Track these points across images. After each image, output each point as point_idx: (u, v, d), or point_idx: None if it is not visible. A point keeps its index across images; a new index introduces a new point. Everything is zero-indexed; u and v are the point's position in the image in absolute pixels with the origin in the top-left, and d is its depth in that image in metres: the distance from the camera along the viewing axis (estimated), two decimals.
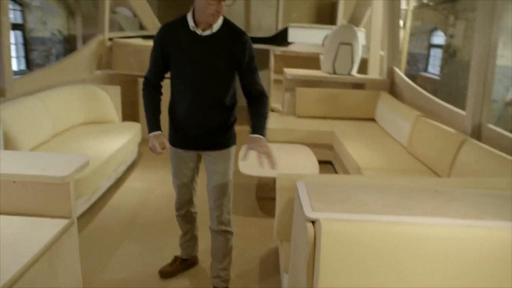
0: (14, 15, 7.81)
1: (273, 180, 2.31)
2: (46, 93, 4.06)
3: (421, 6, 10.69)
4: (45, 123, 3.81)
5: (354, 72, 5.84)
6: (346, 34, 5.69)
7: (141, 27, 7.89)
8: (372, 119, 5.32)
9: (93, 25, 6.46)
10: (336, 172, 4.67)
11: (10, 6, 7.59)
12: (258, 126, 2.23)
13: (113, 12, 8.53)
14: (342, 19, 8.41)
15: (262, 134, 2.21)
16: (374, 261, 1.55)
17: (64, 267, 1.94)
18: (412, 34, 10.38)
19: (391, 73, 5.50)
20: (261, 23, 9.34)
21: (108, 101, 4.71)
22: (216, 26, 2.13)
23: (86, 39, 6.83)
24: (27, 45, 8.11)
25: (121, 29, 8.45)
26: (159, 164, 4.51)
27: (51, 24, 8.42)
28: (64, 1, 8.51)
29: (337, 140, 4.58)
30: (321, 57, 6.06)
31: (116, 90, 4.84)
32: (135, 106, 5.20)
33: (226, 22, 2.18)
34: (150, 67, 2.32)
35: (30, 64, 8.21)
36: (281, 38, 7.65)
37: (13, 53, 7.65)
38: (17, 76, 4.41)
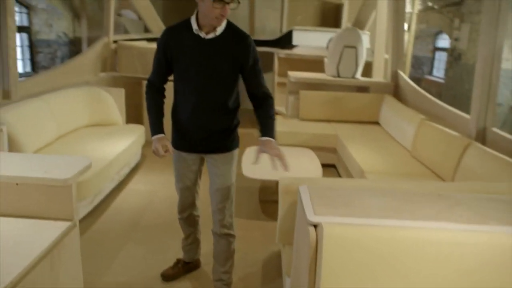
0: (20, 18, 7.86)
1: (276, 183, 2.31)
2: (51, 95, 4.08)
3: (426, 9, 10.66)
4: (49, 125, 3.82)
5: (358, 75, 5.83)
6: (350, 37, 5.69)
7: (146, 30, 7.92)
8: (376, 123, 5.30)
9: (98, 28, 6.49)
10: (339, 175, 4.65)
11: (16, 8, 7.65)
12: (267, 128, 2.22)
13: (118, 14, 8.57)
14: (346, 22, 8.42)
15: (272, 136, 2.21)
16: (376, 265, 1.54)
17: (65, 269, 1.94)
18: (417, 37, 10.36)
19: (395, 77, 5.48)
20: (265, 26, 9.35)
21: (112, 103, 4.72)
22: (220, 29, 2.13)
23: (91, 41, 6.86)
24: (33, 47, 8.16)
25: (126, 31, 8.49)
26: (162, 167, 4.51)
27: (56, 26, 8.47)
28: (70, 3, 8.56)
29: (340, 144, 4.56)
30: (325, 60, 6.05)
31: (120, 92, 4.85)
32: (139, 108, 5.22)
33: (229, 25, 2.18)
34: (154, 70, 2.32)
35: (35, 67, 8.25)
36: (285, 41, 7.65)
37: (19, 55, 7.71)
38: (22, 78, 4.44)
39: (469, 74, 8.44)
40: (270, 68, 7.42)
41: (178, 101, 2.30)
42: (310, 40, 7.47)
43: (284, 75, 6.39)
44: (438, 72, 11.49)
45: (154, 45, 2.28)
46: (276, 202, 2.31)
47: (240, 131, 2.42)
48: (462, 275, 1.53)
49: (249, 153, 3.97)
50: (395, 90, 5.45)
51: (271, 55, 7.38)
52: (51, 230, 1.82)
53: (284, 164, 2.12)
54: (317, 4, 9.31)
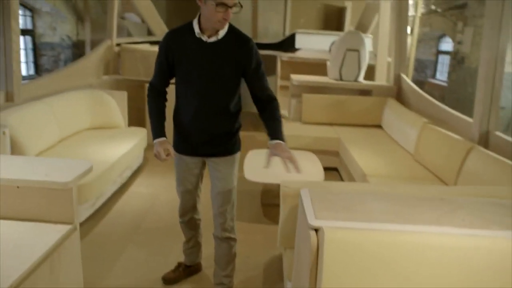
0: (24, 21, 7.90)
1: (278, 186, 2.30)
2: (53, 98, 4.09)
3: (429, 12, 10.65)
4: (51, 128, 3.83)
5: (361, 78, 5.82)
6: (353, 40, 5.69)
7: (149, 33, 7.94)
8: (379, 126, 5.29)
9: (102, 31, 6.52)
10: (342, 179, 4.64)
11: (21, 11, 7.69)
12: (275, 131, 2.21)
13: (121, 17, 8.61)
14: (349, 26, 8.43)
15: (282, 139, 2.19)
16: (377, 270, 1.53)
17: (65, 272, 1.94)
18: (420, 41, 10.34)
19: (398, 80, 5.47)
20: (268, 29, 9.37)
21: (115, 106, 4.73)
22: (222, 32, 2.13)
23: (94, 44, 6.89)
24: (37, 50, 8.19)
25: (129, 34, 8.52)
26: (164, 170, 4.51)
27: (60, 29, 8.51)
28: (74, 6, 8.61)
29: (343, 147, 4.55)
30: (328, 63, 6.05)
31: (123, 95, 4.86)
32: (142, 111, 5.22)
33: (231, 28, 2.17)
34: (155, 73, 2.32)
35: (39, 69, 8.29)
36: (288, 44, 7.67)
37: (22, 58, 7.76)
38: (26, 81, 4.46)
39: (472, 78, 8.41)
40: (272, 72, 7.43)
41: (180, 104, 2.29)
42: (312, 43, 7.48)
43: (287, 78, 6.40)
44: (441, 75, 11.47)
45: (157, 48, 2.29)
46: (278, 205, 2.30)
47: (242, 134, 2.42)
48: (464, 279, 1.52)
49: (251, 156, 3.97)
50: (398, 94, 5.44)
51: (273, 58, 7.40)
52: (52, 233, 1.82)
53: (297, 166, 2.10)
54: (320, 7, 9.33)
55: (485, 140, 3.27)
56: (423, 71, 11.95)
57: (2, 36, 3.61)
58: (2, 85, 3.72)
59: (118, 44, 5.96)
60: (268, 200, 3.93)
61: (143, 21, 8.02)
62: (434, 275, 1.53)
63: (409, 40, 7.39)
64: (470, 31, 9.30)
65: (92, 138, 4.21)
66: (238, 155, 2.39)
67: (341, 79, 5.75)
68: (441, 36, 11.44)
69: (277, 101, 2.30)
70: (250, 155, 3.99)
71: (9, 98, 3.71)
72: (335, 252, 1.53)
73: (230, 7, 2.01)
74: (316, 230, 1.58)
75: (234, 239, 2.45)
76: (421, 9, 8.66)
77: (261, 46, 7.02)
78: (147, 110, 2.36)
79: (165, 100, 2.37)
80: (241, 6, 2.06)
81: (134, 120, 5.06)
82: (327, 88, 5.66)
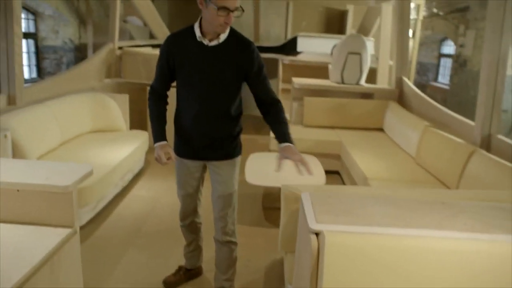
0: (27, 24, 7.92)
1: (279, 190, 2.30)
2: (55, 101, 4.09)
3: (431, 15, 10.65)
4: (53, 131, 3.84)
5: (363, 81, 5.82)
6: (354, 43, 5.69)
7: (151, 36, 7.96)
8: (381, 129, 5.28)
9: (104, 34, 6.54)
10: (343, 182, 4.63)
11: (24, 15, 7.72)
12: (283, 134, 2.21)
13: (124, 21, 8.63)
14: (351, 29, 8.44)
15: (291, 141, 2.18)
16: (378, 274, 1.53)
17: (65, 276, 1.93)
18: (421, 44, 10.33)
19: (399, 83, 5.47)
20: (270, 32, 9.38)
21: (116, 109, 4.73)
22: (223, 36, 2.13)
23: (96, 47, 6.91)
24: (39, 53, 8.22)
25: (131, 38, 8.54)
26: (165, 173, 4.51)
27: (62, 33, 8.53)
28: (76, 10, 8.63)
29: (344, 150, 4.55)
30: (330, 66, 6.05)
31: (125, 98, 4.87)
32: (143, 114, 5.22)
33: (232, 32, 2.17)
34: (156, 76, 2.32)
35: (41, 73, 8.30)
36: (290, 47, 7.68)
37: (25, 61, 7.78)
38: (28, 84, 4.47)
39: (475, 81, 8.40)
40: (274, 75, 7.44)
41: (181, 107, 2.29)
42: (314, 47, 7.49)
43: (289, 81, 6.40)
44: (444, 78, 11.45)
45: (158, 51, 2.29)
46: (279, 209, 2.30)
47: (243, 137, 2.42)
48: (466, 283, 1.51)
49: (253, 159, 3.96)
50: (400, 97, 5.43)
51: (275, 61, 7.40)
52: (52, 236, 1.81)
53: (309, 169, 2.08)
54: (322, 11, 9.34)
55: (487, 144, 3.26)
56: (425, 74, 11.93)
57: (5, 40, 3.63)
58: (4, 88, 3.73)
59: (120, 47, 5.98)
60: (269, 204, 3.93)
61: (145, 24, 8.05)
62: (436, 279, 1.52)
63: (411, 43, 7.40)
64: (472, 34, 9.29)
65: (93, 141, 4.22)
66: (239, 158, 2.38)
67: (342, 82, 5.75)
68: (443, 39, 11.43)
69: (281, 103, 2.29)
70: (251, 158, 3.98)
71: (11, 101, 3.72)
72: (335, 256, 1.52)
73: (232, 11, 2.01)
74: (317, 234, 1.58)
75: (235, 243, 2.44)
76: (423, 12, 8.66)
77: (263, 49, 7.05)
78: (148, 113, 2.36)
79: (166, 103, 2.37)
80: (243, 10, 2.05)
81: (136, 123, 5.07)
82: (329, 91, 5.66)
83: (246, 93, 2.30)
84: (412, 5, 7.34)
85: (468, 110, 7.74)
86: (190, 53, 2.16)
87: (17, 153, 3.19)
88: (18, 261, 1.63)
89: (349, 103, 5.43)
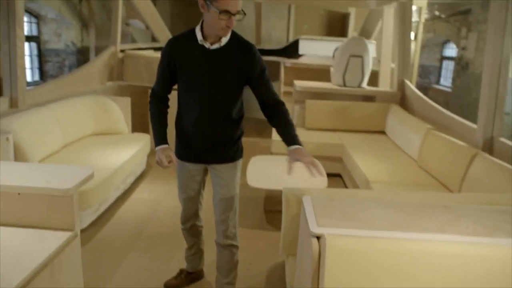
0: (30, 27, 7.96)
1: (281, 193, 2.29)
2: (57, 104, 4.10)
3: (433, 18, 10.65)
4: (55, 134, 3.84)
5: (364, 84, 5.81)
6: (356, 46, 5.69)
7: (153, 39, 7.98)
8: (382, 132, 5.27)
9: (106, 37, 6.56)
10: (345, 185, 4.62)
11: (27, 18, 7.75)
12: (291, 136, 2.19)
13: (126, 24, 8.66)
14: (353, 32, 8.44)
15: (300, 143, 2.16)
16: (379, 277, 1.52)
17: (66, 279, 1.93)
18: (423, 46, 10.33)
19: (401, 86, 5.46)
20: (272, 35, 9.40)
21: (118, 112, 4.74)
22: (225, 39, 2.12)
23: (99, 50, 6.93)
24: (42, 56, 8.24)
25: (133, 41, 8.56)
26: (167, 176, 4.50)
27: (65, 36, 8.56)
28: (79, 13, 8.67)
29: (346, 153, 4.54)
30: (332, 69, 6.05)
31: (126, 101, 4.87)
32: (145, 117, 5.21)
33: (234, 35, 2.16)
34: (157, 80, 2.32)
35: (44, 75, 8.33)
36: (291, 50, 7.68)
37: (28, 64, 7.80)
38: (31, 87, 4.49)
39: (477, 83, 8.39)
40: (276, 78, 7.44)
41: (182, 111, 2.29)
42: (316, 49, 7.49)
43: (290, 84, 6.40)
44: (446, 81, 11.44)
45: (160, 54, 2.29)
46: (281, 212, 2.29)
47: (245, 140, 2.41)
48: (468, 287, 1.50)
49: (254, 162, 3.96)
50: (402, 100, 5.43)
51: (277, 64, 7.41)
52: (52, 240, 1.81)
53: (319, 170, 2.07)
54: (324, 14, 9.35)
55: (489, 146, 3.24)
56: (427, 77, 11.92)
57: (7, 42, 3.64)
58: (7, 91, 3.74)
59: (122, 50, 6.00)
60: (271, 207, 3.92)
61: (147, 27, 8.07)
62: (438, 283, 1.51)
63: (412, 46, 7.39)
64: (474, 36, 9.28)
65: (95, 144, 4.22)
66: (240, 161, 2.38)
67: (344, 85, 5.75)
68: (445, 42, 11.42)
69: (285, 106, 2.28)
70: (253, 161, 3.98)
71: (14, 104, 3.73)
72: (337, 259, 1.52)
73: (234, 14, 2.00)
74: (318, 238, 1.57)
75: (236, 246, 2.44)
76: (424, 15, 8.65)
77: (265, 52, 7.05)
78: (149, 116, 2.36)
79: (167, 106, 2.37)
80: (245, 14, 2.05)
81: (138, 126, 5.07)
82: (331, 94, 5.65)
83: (248, 95, 2.30)
84: (414, 7, 7.35)
85: (470, 112, 7.74)
86: (192, 56, 2.16)
87: (19, 156, 3.20)
88: (18, 264, 1.63)
89: (351, 106, 5.43)
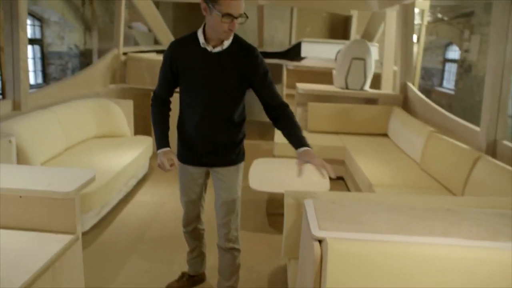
0: (33, 30, 7.99)
1: (283, 196, 2.29)
2: (60, 106, 4.11)
3: (435, 20, 10.64)
4: (57, 136, 3.85)
5: (367, 87, 5.81)
6: (359, 49, 5.68)
7: (156, 42, 8.00)
8: (385, 135, 5.26)
9: (109, 40, 6.58)
10: (348, 188, 4.61)
11: (30, 21, 7.77)
12: (299, 138, 2.17)
13: (129, 27, 8.68)
14: (355, 34, 8.43)
15: (308, 145, 2.15)
16: (381, 281, 1.51)
17: (67, 283, 1.92)
18: (426, 49, 10.32)
19: (404, 88, 5.45)
20: (274, 38, 9.40)
21: (121, 115, 4.75)
22: (227, 43, 2.12)
23: (102, 53, 6.95)
24: (45, 59, 8.27)
25: (136, 43, 8.59)
26: (169, 179, 4.50)
27: (68, 38, 8.58)
28: (82, 16, 8.69)
29: (349, 156, 4.53)
30: (334, 72, 6.05)
31: (129, 104, 4.88)
32: (148, 120, 5.19)
33: (236, 38, 2.16)
34: (159, 82, 2.32)
35: (47, 78, 8.35)
36: (294, 52, 7.69)
37: (31, 67, 7.82)
38: (33, 90, 4.50)
39: (480, 86, 8.37)
40: (278, 80, 7.44)
41: (184, 114, 2.29)
42: (318, 52, 7.49)
43: (293, 87, 6.40)
44: (449, 83, 11.42)
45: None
46: (283, 215, 2.28)
47: (247, 142, 2.41)
48: None
49: (257, 165, 3.95)
50: (404, 102, 5.42)
51: (279, 67, 7.41)
52: (54, 243, 1.81)
53: (330, 171, 2.05)
54: (326, 16, 9.36)
55: (492, 149, 3.23)
56: (430, 79, 11.91)
57: (10, 45, 3.66)
58: (10, 94, 3.76)
59: (125, 53, 6.01)
60: (273, 210, 3.91)
61: (150, 30, 8.09)
62: (441, 287, 1.50)
63: (415, 48, 7.38)
64: (477, 39, 9.27)
65: (98, 146, 4.22)
66: (242, 165, 2.37)
67: (347, 88, 5.74)
68: (448, 44, 11.41)
69: (290, 107, 2.27)
70: (255, 164, 3.97)
71: (16, 106, 3.75)
72: (339, 263, 1.51)
73: (236, 17, 2.00)
74: (320, 241, 1.57)
75: (238, 250, 2.43)
76: (427, 18, 8.64)
77: (267, 54, 7.05)
78: (151, 119, 2.35)
79: (169, 109, 2.37)
80: (247, 17, 2.04)
81: (140, 128, 5.08)
82: (333, 97, 5.65)
83: (250, 98, 2.29)
84: (417, 10, 7.34)
85: (473, 115, 7.71)
86: (194, 59, 2.15)
87: (21, 158, 3.20)
88: (19, 267, 1.63)
89: (354, 108, 5.42)
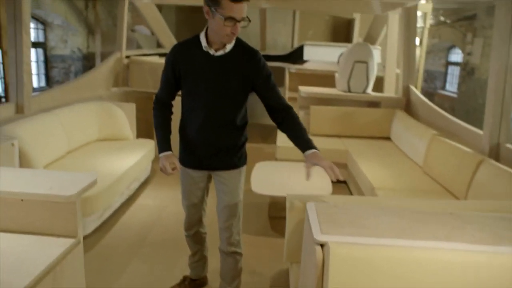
0: (36, 34, 8.03)
1: (285, 199, 2.28)
2: (62, 110, 4.12)
3: (438, 23, 10.63)
4: (60, 139, 3.86)
5: (369, 90, 5.80)
6: (361, 52, 5.68)
7: (159, 45, 8.02)
8: (388, 138, 5.25)
9: (112, 43, 6.60)
10: (350, 191, 4.60)
11: (33, 25, 7.81)
12: (306, 141, 2.15)
13: (132, 30, 8.71)
14: (357, 37, 8.43)
15: (315, 147, 2.13)
16: (383, 286, 1.50)
17: (68, 286, 1.92)
18: (429, 52, 10.31)
19: (406, 91, 5.44)
20: (277, 41, 9.41)
21: (123, 118, 4.75)
22: (229, 46, 2.11)
23: (104, 56, 6.98)
24: (48, 62, 8.31)
25: (139, 47, 8.61)
26: (172, 182, 4.49)
27: (71, 42, 8.62)
28: (85, 20, 8.74)
29: (351, 159, 4.51)
30: (336, 75, 6.04)
31: (131, 107, 4.89)
32: (150, 123, 5.16)
33: (238, 42, 2.15)
34: (161, 86, 2.32)
35: (50, 81, 8.39)
36: (296, 56, 7.69)
37: (34, 70, 7.86)
38: (36, 93, 4.51)
39: (483, 89, 8.35)
40: (281, 83, 7.45)
41: (186, 117, 2.28)
42: (321, 55, 7.50)
43: (295, 90, 6.40)
44: (451, 86, 11.40)
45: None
46: (285, 218, 2.27)
47: (249, 146, 2.40)
48: None
49: (259, 168, 3.94)
50: (407, 105, 5.41)
51: (282, 70, 7.42)
52: (55, 247, 1.81)
53: (338, 173, 2.03)
54: (328, 19, 9.36)
55: (495, 153, 3.22)
56: (433, 82, 11.89)
57: (14, 49, 3.67)
58: (13, 97, 3.77)
59: (127, 56, 6.02)
60: (276, 213, 3.90)
61: (152, 33, 8.11)
62: None
63: (418, 51, 7.37)
64: (480, 42, 9.25)
65: (100, 149, 4.23)
66: (244, 168, 2.36)
67: (349, 91, 5.74)
68: (451, 47, 11.40)
69: (293, 109, 2.26)
70: (257, 167, 3.96)
71: (19, 110, 3.76)
72: (340, 268, 1.50)
73: (239, 21, 1.99)
74: (322, 245, 1.56)
75: (240, 254, 2.42)
76: (430, 21, 8.63)
77: (270, 58, 7.06)
78: (153, 123, 2.35)
79: (171, 113, 2.36)
80: (249, 21, 2.03)
81: (143, 132, 5.08)
82: (335, 100, 5.64)
83: (252, 101, 2.29)
84: (419, 13, 7.33)
85: (476, 118, 7.69)
86: (196, 62, 2.15)
87: (24, 161, 3.21)
88: (20, 271, 1.63)
89: (356, 111, 5.41)
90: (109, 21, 9.08)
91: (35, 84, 7.82)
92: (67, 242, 1.86)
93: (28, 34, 3.72)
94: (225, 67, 2.12)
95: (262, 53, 2.23)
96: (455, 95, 10.71)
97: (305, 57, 7.58)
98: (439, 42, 11.14)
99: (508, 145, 3.15)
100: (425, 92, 10.25)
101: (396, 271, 1.49)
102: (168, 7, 9.29)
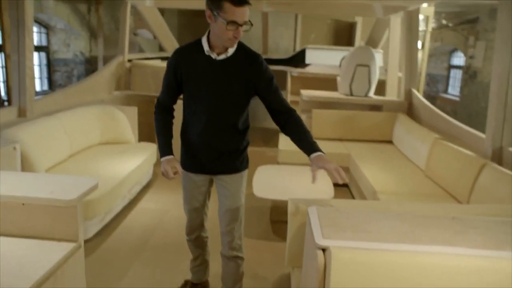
0: (39, 38, 8.06)
1: (287, 203, 2.27)
2: (65, 113, 4.13)
3: (440, 27, 10.63)
4: (62, 143, 3.86)
5: (371, 93, 5.80)
6: (363, 55, 5.68)
7: (161, 49, 8.04)
8: (390, 142, 5.24)
9: (114, 47, 6.61)
10: (352, 195, 4.58)
11: (36, 29, 7.84)
12: (310, 144, 2.12)
13: (134, 34, 8.73)
14: (359, 41, 8.44)
15: (320, 150, 2.10)
16: None
17: None
18: (431, 55, 10.30)
19: (409, 95, 5.43)
20: (279, 45, 9.42)
21: (125, 121, 4.76)
22: (231, 50, 2.11)
23: (107, 60, 6.99)
24: (51, 66, 8.33)
25: (141, 50, 8.63)
26: (173, 186, 4.46)
27: (74, 46, 8.65)
28: (87, 23, 8.76)
29: (353, 163, 4.50)
30: (338, 78, 6.04)
31: (133, 110, 4.90)
32: (152, 126, 5.15)
33: (240, 46, 2.15)
34: (163, 89, 2.31)
35: (52, 85, 8.41)
36: (298, 59, 7.69)
37: (37, 74, 7.88)
38: (39, 97, 4.52)
39: (485, 92, 8.33)
40: (283, 87, 7.44)
41: (188, 121, 2.28)
42: (323, 59, 7.50)
43: (297, 93, 6.40)
44: (454, 90, 11.38)
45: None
46: (287, 222, 2.27)
47: (251, 149, 2.40)
48: None
49: (261, 172, 3.94)
50: (409, 109, 5.40)
51: (284, 73, 7.42)
52: (56, 251, 1.81)
53: (344, 176, 2.01)
54: (330, 23, 9.38)
55: (498, 156, 3.20)
56: (435, 85, 11.88)
57: (16, 53, 3.69)
58: (15, 101, 3.78)
59: (129, 60, 6.04)
60: (277, 217, 3.89)
61: (155, 37, 8.13)
62: None
63: (420, 54, 7.37)
64: (482, 45, 9.24)
65: (102, 153, 4.23)
66: (245, 172, 2.36)
67: (351, 95, 5.74)
68: (453, 51, 11.39)
69: (296, 112, 2.24)
70: (259, 171, 3.96)
71: (22, 113, 3.77)
72: (342, 272, 1.49)
73: (241, 25, 1.99)
74: (324, 250, 1.55)
75: (242, 258, 2.41)
76: (432, 24, 8.63)
77: (272, 61, 7.06)
78: (155, 127, 2.35)
79: (173, 117, 2.36)
80: (252, 25, 2.03)
81: (144, 135, 5.09)
82: (337, 104, 5.64)
83: (253, 105, 2.29)
84: (421, 16, 7.33)
85: (478, 122, 7.67)
86: (198, 66, 2.15)
87: (26, 165, 3.21)
88: (21, 275, 1.63)
89: (358, 115, 5.41)
90: (111, 25, 9.10)
91: (37, 87, 7.84)
92: (68, 246, 1.86)
93: (31, 38, 3.74)
94: (227, 71, 2.12)
95: (264, 56, 2.23)
96: (457, 99, 10.69)
97: (307, 61, 7.59)
98: (441, 45, 11.13)
99: (511, 149, 3.13)
100: (427, 96, 10.23)
101: (398, 275, 1.49)
102: (171, 11, 9.31)
